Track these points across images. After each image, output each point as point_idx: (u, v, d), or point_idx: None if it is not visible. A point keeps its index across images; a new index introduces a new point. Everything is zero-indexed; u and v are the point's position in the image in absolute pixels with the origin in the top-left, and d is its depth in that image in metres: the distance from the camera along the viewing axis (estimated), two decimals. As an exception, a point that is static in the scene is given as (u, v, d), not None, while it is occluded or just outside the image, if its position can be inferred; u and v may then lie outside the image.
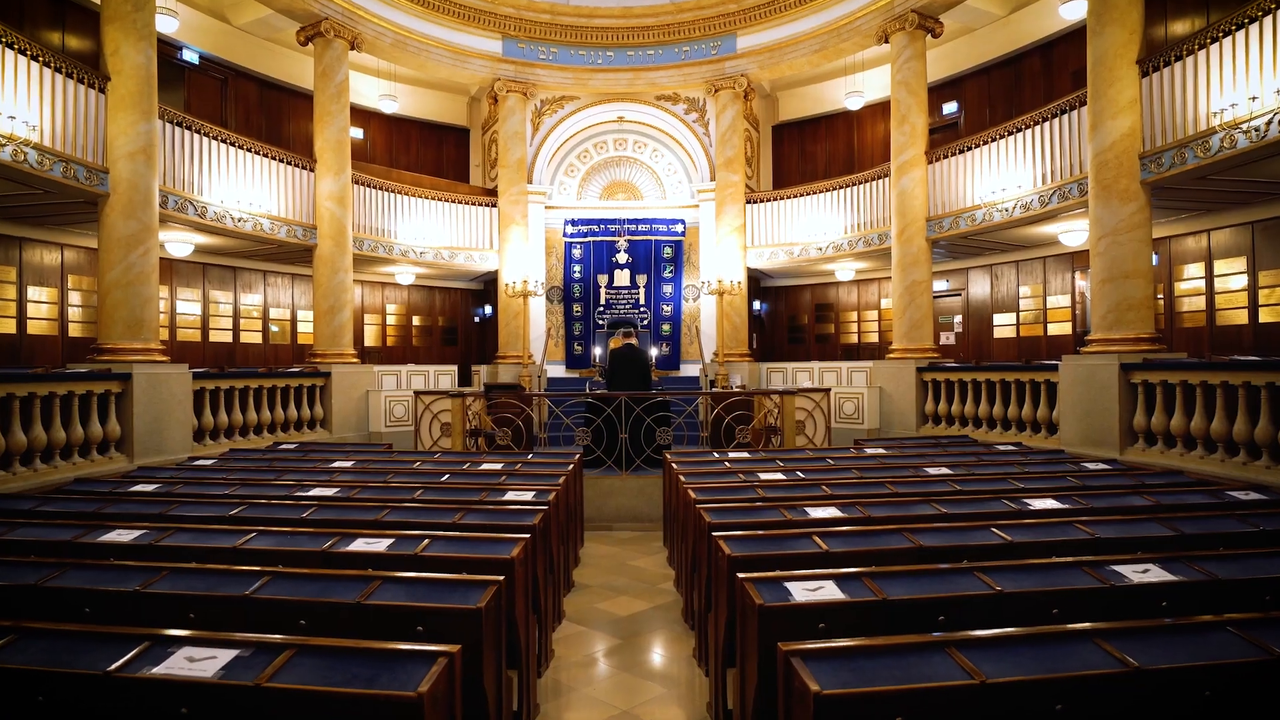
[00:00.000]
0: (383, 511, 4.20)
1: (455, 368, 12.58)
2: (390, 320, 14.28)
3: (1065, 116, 8.37)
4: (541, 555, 3.79)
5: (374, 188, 11.57)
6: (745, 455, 6.89)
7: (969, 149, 9.82)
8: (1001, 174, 9.25)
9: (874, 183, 11.62)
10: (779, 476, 5.47)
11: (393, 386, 11.73)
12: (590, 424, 7.98)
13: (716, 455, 6.87)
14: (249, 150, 9.47)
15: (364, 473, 5.86)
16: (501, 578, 2.69)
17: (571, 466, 6.15)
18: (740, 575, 2.64)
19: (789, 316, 15.14)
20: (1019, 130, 9.00)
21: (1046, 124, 8.60)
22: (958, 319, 12.55)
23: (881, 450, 7.18)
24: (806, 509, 4.13)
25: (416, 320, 14.66)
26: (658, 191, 14.52)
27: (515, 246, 12.80)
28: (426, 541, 3.33)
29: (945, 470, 5.69)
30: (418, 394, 9.20)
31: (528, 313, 12.54)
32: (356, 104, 13.40)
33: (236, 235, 9.26)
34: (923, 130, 10.20)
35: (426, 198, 12.37)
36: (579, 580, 5.84)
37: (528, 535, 3.37)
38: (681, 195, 14.34)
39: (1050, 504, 4.19)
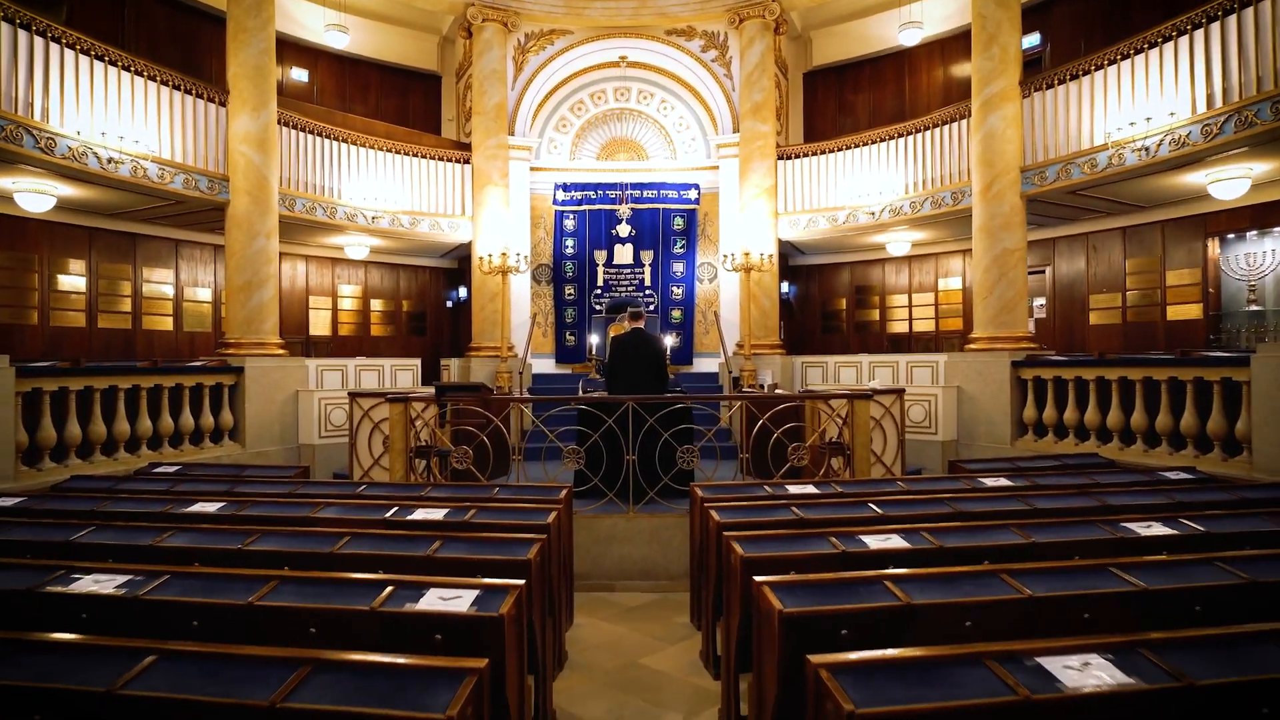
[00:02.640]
0: (148, 659, 2.04)
1: (418, 362, 10.41)
2: (345, 305, 12.11)
3: (1247, 10, 6.18)
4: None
5: (311, 133, 9.38)
6: (812, 490, 4.78)
7: (1083, 73, 7.67)
8: (1136, 104, 7.09)
9: (944, 128, 9.46)
10: (898, 544, 3.35)
11: (337, 385, 9.57)
12: (584, 440, 5.83)
13: (769, 490, 4.76)
14: (129, 69, 7.28)
15: (220, 532, 3.71)
16: None
17: (554, 516, 4.01)
18: None
19: (822, 301, 13.00)
20: (1164, 40, 6.84)
21: (1214, 25, 6.42)
22: (1039, 301, 10.42)
23: (1005, 480, 5.09)
24: (1043, 661, 1.98)
25: (377, 305, 12.50)
26: (666, 151, 12.38)
27: (493, 212, 10.63)
28: None
29: (1164, 529, 3.56)
30: (353, 396, 7.05)
31: (508, 294, 10.38)
32: (300, 39, 11.23)
33: (107, 182, 7.08)
34: (1016, 54, 8.04)
35: (381, 149, 10.18)
36: (561, 702, 3.69)
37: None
38: (695, 155, 12.21)
39: None
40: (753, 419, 5.83)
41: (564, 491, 4.71)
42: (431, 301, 13.14)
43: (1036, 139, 8.08)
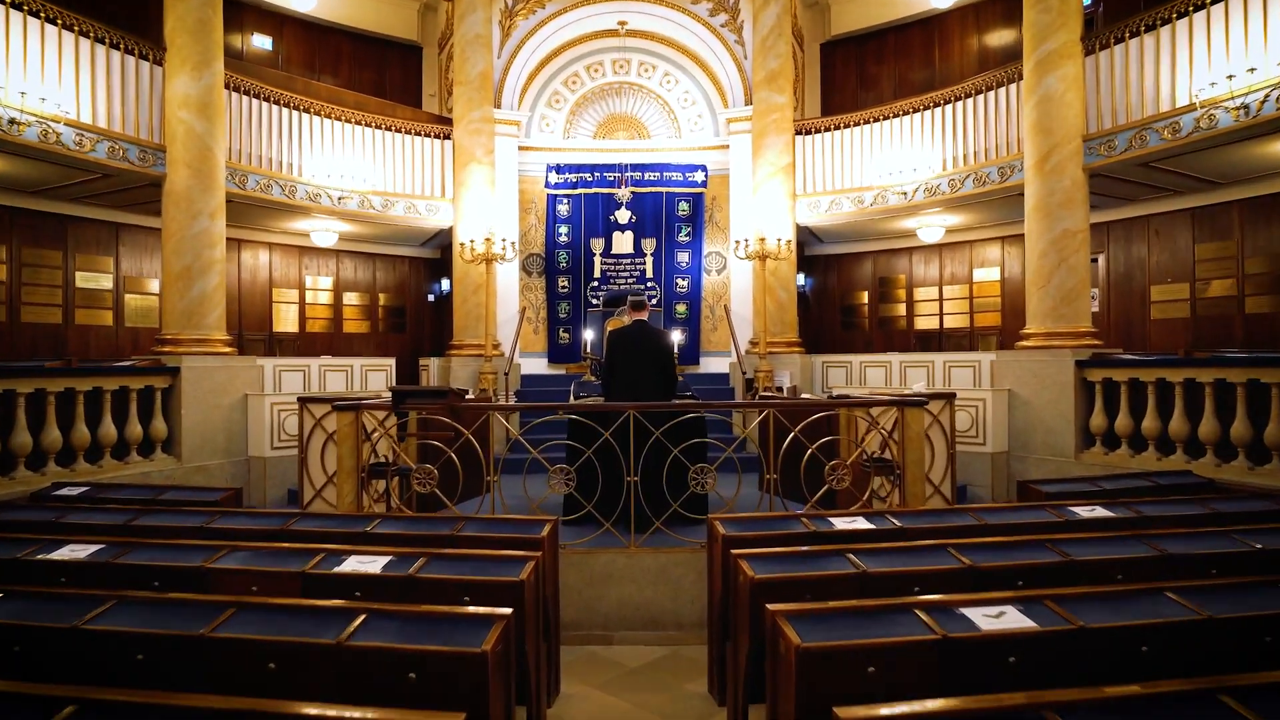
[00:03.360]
0: None
1: (392, 362, 9.46)
2: (314, 298, 11.12)
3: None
4: None
5: (267, 100, 8.38)
6: (864, 525, 3.82)
7: (1161, 23, 6.71)
8: (1232, 56, 6.12)
9: (987, 95, 8.49)
10: (1020, 622, 2.40)
11: (298, 388, 8.61)
12: (575, 456, 4.85)
13: (810, 524, 3.81)
14: (39, 15, 6.29)
15: (65, 598, 2.72)
16: None
17: (530, 568, 3.05)
18: None
19: (841, 294, 12.03)
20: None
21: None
22: (1091, 293, 9.42)
23: (1102, 510, 4.15)
24: None
25: (351, 299, 11.51)
26: (670, 129, 11.43)
27: (477, 194, 9.65)
28: None
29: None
30: (303, 402, 6.08)
31: (493, 285, 9.40)
32: (263, 1, 10.25)
33: (6, 147, 6.07)
34: (1076, 5, 7.07)
35: (349, 121, 9.19)
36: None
37: None
38: (702, 134, 11.26)
39: None
40: (781, 431, 4.85)
41: (548, 527, 3.74)
42: (412, 295, 12.16)
43: (1102, 103, 7.11)
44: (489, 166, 9.74)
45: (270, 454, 7.19)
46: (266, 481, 7.15)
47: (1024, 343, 7.29)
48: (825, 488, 4.75)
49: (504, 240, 9.16)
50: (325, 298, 11.23)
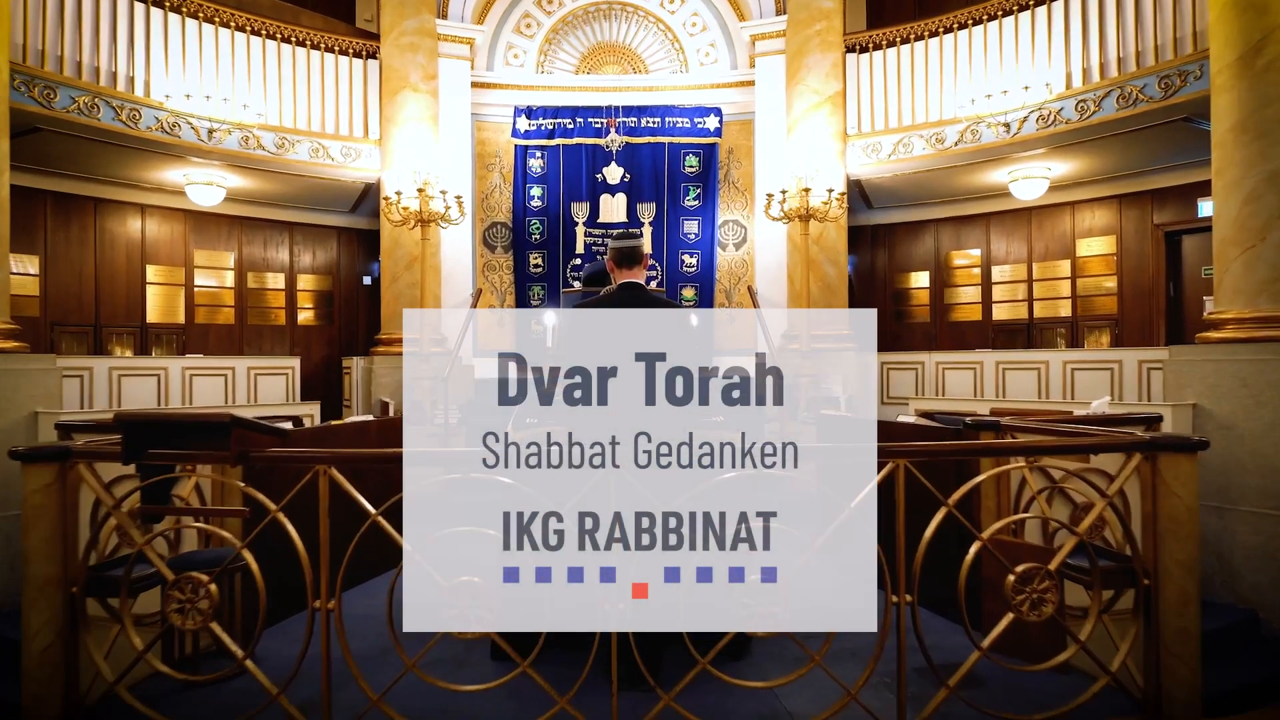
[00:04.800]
0: None
1: (295, 363, 7.13)
2: (208, 280, 8.73)
3: None
4: None
5: (93, -17, 6.00)
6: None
7: None
8: None
9: (1133, -22, 6.15)
10: None
11: (148, 401, 6.24)
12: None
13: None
14: None
15: None
16: None
17: None
18: None
19: (891, 276, 9.68)
20: None
21: None
22: (1253, 268, 7.09)
23: None
24: None
25: (260, 281, 9.12)
26: (674, 61, 9.15)
27: (412, 133, 7.30)
28: None
29: None
30: (63, 433, 3.71)
31: (432, 258, 7.03)
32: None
33: None
34: None
35: (227, 25, 6.80)
36: None
37: None
38: (717, 68, 9.02)
39: None
40: (917, 498, 2.48)
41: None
42: (342, 277, 9.77)
43: (1349, -40, 4.77)
44: (429, 96, 7.39)
45: (68, 504, 4.80)
46: (60, 547, 4.76)
47: (1216, 333, 4.93)
48: (1009, 619, 2.39)
49: (446, 194, 6.79)
50: (224, 279, 8.83)
